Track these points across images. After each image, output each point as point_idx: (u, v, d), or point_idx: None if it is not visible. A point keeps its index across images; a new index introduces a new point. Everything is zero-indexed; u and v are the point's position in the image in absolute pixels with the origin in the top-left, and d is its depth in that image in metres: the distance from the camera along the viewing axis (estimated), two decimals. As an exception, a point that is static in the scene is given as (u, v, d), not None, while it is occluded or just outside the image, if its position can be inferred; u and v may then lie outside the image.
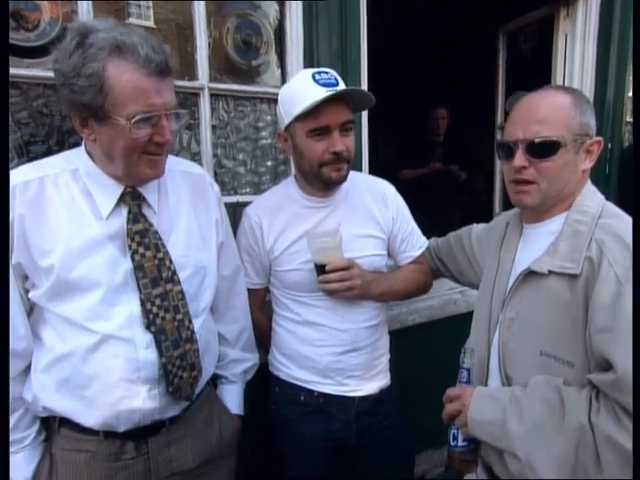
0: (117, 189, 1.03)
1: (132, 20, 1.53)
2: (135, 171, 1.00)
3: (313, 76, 1.20)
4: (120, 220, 1.03)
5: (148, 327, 1.02)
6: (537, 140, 0.99)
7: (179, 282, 1.07)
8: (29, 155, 1.36)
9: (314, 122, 1.20)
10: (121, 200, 1.03)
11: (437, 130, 3.59)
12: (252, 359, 1.39)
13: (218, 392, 1.33)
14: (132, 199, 1.04)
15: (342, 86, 1.22)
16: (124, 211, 1.04)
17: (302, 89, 1.21)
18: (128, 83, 0.90)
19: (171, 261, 1.06)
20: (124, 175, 1.01)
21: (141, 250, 1.03)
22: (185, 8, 1.56)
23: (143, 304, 1.02)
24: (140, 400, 1.02)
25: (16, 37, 1.31)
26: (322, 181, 1.28)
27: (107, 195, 1.02)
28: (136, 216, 1.04)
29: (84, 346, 1.00)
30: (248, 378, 1.39)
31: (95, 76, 0.89)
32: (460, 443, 1.08)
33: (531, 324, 1.00)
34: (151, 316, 1.02)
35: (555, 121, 0.99)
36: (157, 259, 1.04)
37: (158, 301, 1.03)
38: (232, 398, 1.33)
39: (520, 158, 1.00)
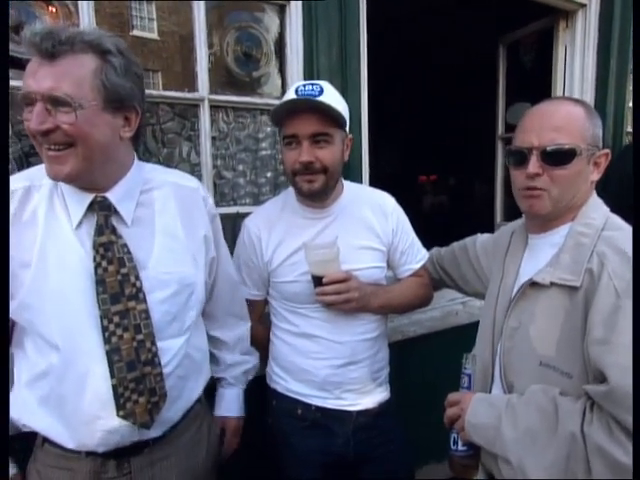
0: (86, 198, 0.98)
1: (136, 32, 1.52)
2: (46, 169, 0.93)
3: (297, 87, 1.23)
4: (91, 231, 0.98)
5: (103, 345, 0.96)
6: (553, 147, 0.98)
7: (144, 300, 0.99)
8: (29, 166, 1.34)
9: (285, 130, 1.24)
10: (91, 209, 0.98)
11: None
12: (252, 361, 1.38)
13: (218, 395, 1.32)
14: (100, 209, 0.98)
15: (325, 98, 1.19)
16: (94, 221, 0.99)
17: (284, 99, 1.25)
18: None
19: (137, 277, 0.99)
20: None
21: (104, 264, 0.96)
22: (188, 20, 1.57)
23: (101, 320, 0.95)
24: (116, 421, 0.97)
25: (17, 50, 1.32)
26: (298, 191, 1.30)
27: (78, 204, 0.98)
28: (101, 227, 0.98)
29: (57, 364, 0.95)
30: (249, 379, 1.38)
31: None
32: (460, 447, 1.09)
33: (532, 334, 1.00)
34: (107, 334, 0.95)
35: (571, 130, 0.98)
36: (120, 274, 0.97)
37: (116, 318, 0.96)
38: (232, 401, 1.32)
39: (534, 165, 0.99)
